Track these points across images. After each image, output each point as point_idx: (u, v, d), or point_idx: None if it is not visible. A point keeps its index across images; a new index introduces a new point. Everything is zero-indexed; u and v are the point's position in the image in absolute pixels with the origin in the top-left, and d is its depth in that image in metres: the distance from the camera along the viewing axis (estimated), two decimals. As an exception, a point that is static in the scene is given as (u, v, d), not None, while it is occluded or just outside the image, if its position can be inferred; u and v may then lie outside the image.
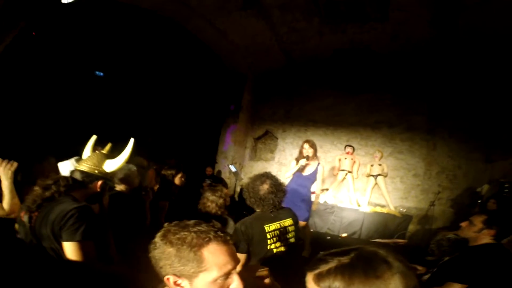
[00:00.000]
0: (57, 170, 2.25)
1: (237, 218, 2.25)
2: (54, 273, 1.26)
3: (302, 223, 3.59)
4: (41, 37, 4.86)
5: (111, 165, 1.64)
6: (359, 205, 5.69)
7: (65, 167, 2.27)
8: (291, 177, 3.71)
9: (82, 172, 1.56)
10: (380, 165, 5.77)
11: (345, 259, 0.63)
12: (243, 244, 1.76)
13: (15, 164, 1.78)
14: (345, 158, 5.93)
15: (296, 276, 1.37)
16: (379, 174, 5.72)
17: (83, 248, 1.29)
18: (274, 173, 2.04)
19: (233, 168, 6.16)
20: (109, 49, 6.06)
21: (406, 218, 5.27)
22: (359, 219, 5.20)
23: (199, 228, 0.85)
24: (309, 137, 6.73)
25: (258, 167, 7.26)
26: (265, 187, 1.87)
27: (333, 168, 6.17)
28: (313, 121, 6.99)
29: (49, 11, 4.06)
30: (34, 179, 1.49)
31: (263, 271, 1.04)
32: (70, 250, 1.28)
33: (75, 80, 5.84)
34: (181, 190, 3.23)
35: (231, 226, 2.34)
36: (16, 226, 1.44)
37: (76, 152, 2.10)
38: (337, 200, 5.95)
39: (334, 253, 0.67)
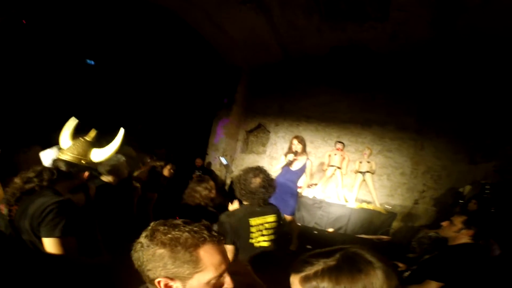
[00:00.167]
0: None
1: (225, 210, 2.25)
2: (32, 266, 1.23)
3: (289, 217, 3.65)
4: (31, 24, 4.67)
5: (99, 155, 1.57)
6: (346, 201, 5.80)
7: (48, 156, 2.15)
8: (279, 171, 3.76)
9: (67, 162, 1.48)
10: (368, 162, 5.86)
11: (331, 261, 0.65)
12: (230, 235, 1.75)
13: None
14: (335, 154, 5.99)
15: (279, 272, 1.40)
16: (367, 171, 5.82)
17: (63, 244, 1.25)
18: (265, 166, 2.02)
19: (224, 161, 6.15)
20: (102, 37, 5.88)
21: (391, 215, 5.40)
22: (345, 214, 5.30)
23: (191, 227, 0.81)
24: (301, 132, 6.78)
25: (249, 160, 7.28)
26: (257, 181, 1.85)
27: (322, 164, 6.24)
28: (306, 117, 7.02)
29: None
30: (19, 169, 1.44)
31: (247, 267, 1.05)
32: (50, 246, 1.24)
33: (65, 68, 5.67)
34: (170, 181, 3.22)
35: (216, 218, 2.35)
36: None
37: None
38: (325, 195, 6.04)
39: (317, 254, 0.69)
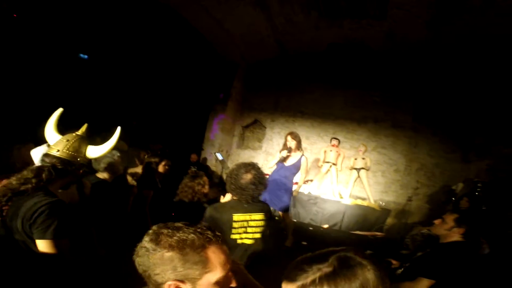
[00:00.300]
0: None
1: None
2: (24, 267, 1.22)
3: (283, 213, 3.68)
4: (23, 18, 4.55)
5: (95, 152, 1.54)
6: (341, 197, 5.85)
7: (40, 154, 2.11)
8: (274, 167, 3.77)
9: (62, 160, 1.42)
10: (363, 158, 5.91)
11: (326, 268, 0.65)
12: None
13: None
14: (330, 151, 6.03)
15: (263, 269, 1.40)
16: (362, 168, 5.87)
17: (55, 246, 1.23)
18: (260, 162, 2.01)
19: (219, 156, 6.15)
20: (96, 31, 5.77)
21: (385, 211, 5.48)
22: (340, 211, 5.35)
23: (194, 228, 0.82)
24: (297, 128, 6.79)
25: (245, 156, 7.28)
26: (248, 177, 1.83)
27: (317, 160, 6.27)
28: (302, 113, 7.03)
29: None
30: (12, 166, 1.41)
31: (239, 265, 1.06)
32: (42, 248, 1.23)
33: (58, 63, 5.56)
34: (165, 177, 3.21)
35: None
36: None
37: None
38: (320, 191, 6.09)
39: (310, 259, 0.68)
